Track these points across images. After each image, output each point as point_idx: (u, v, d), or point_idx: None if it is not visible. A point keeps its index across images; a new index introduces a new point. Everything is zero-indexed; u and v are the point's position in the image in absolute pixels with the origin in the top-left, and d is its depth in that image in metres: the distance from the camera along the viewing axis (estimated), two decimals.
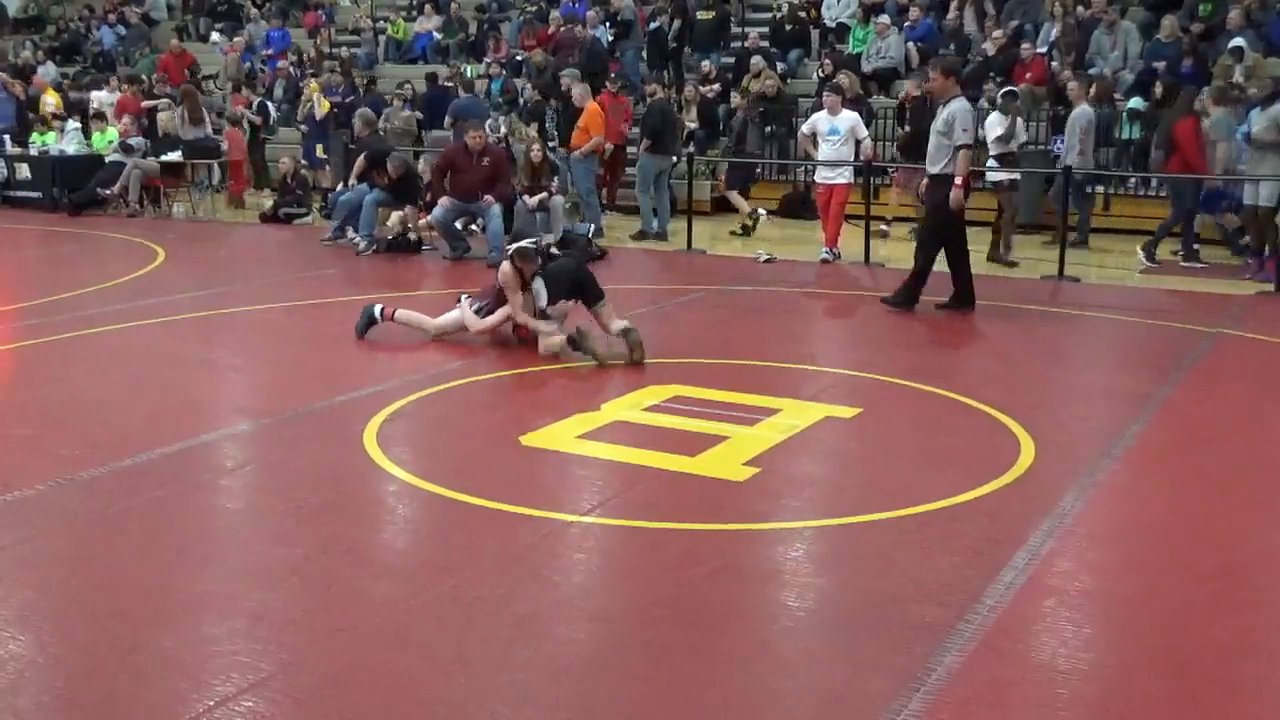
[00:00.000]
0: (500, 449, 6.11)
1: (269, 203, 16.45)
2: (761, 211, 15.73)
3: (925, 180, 9.89)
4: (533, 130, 15.11)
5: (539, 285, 8.10)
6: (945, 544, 4.80)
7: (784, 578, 4.53)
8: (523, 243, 8.29)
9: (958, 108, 9.50)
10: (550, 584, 4.42)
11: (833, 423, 6.57)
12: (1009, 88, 13.42)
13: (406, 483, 5.53)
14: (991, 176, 12.84)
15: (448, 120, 16.66)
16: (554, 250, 8.42)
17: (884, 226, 14.63)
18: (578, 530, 4.97)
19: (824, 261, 12.57)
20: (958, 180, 9.45)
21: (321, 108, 17.82)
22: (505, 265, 8.22)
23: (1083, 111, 13.27)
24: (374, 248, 13.04)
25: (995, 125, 12.60)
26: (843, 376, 7.76)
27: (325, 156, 17.56)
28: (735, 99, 17.35)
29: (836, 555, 4.78)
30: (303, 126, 18.25)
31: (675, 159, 15.01)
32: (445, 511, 5.20)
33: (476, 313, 8.43)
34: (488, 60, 20.46)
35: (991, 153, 12.56)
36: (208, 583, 4.41)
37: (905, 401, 7.19)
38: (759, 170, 17.07)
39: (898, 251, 13.08)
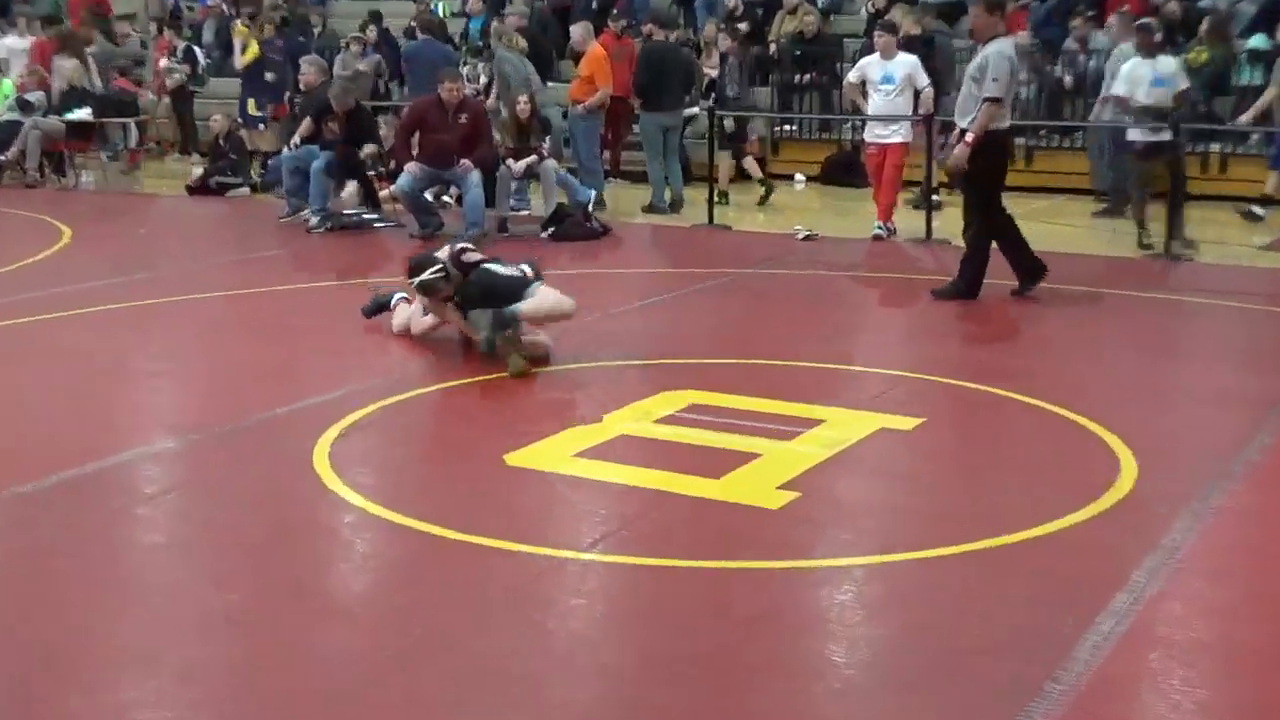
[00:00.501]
0: (481, 470, 6.08)
1: (198, 170, 16.47)
2: (799, 178, 15.75)
3: (955, 135, 9.85)
4: (520, 42, 14.85)
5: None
6: (1028, 584, 4.76)
7: (830, 627, 4.49)
8: (423, 276, 8.02)
9: (995, 50, 9.50)
10: (543, 635, 4.39)
11: (888, 436, 6.54)
12: (1143, 20, 13.14)
13: (366, 512, 5.50)
14: (1137, 138, 12.14)
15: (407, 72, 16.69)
16: (472, 256, 8.20)
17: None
18: (576, 569, 4.94)
19: (876, 238, 12.55)
20: (969, 136, 9.45)
21: (247, 54, 17.85)
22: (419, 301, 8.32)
23: (1121, 52, 13.29)
24: (329, 224, 13.04)
25: (1137, 69, 12.16)
26: (900, 379, 7.73)
27: (259, 114, 17.56)
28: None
29: (895, 599, 4.75)
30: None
31: (694, 112, 14.97)
32: (414, 547, 5.18)
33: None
34: None
35: (1139, 101, 12.09)
36: (125, 635, 4.39)
37: (977, 409, 7.15)
38: (788, 128, 17.06)
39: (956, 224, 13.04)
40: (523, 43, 14.85)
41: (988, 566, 4.94)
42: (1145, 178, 12.04)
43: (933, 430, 6.67)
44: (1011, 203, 14.08)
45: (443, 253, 8.15)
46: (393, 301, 8.71)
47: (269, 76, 17.37)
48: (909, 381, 7.68)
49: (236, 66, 18.25)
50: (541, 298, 7.82)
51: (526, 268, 8.03)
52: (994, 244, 9.76)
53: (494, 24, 16.71)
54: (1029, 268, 9.82)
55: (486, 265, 8.02)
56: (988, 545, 5.10)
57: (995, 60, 9.40)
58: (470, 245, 8.28)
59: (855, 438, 6.46)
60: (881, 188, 12.69)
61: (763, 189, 15.03)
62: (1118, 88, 12.37)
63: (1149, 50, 12.18)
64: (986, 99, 9.38)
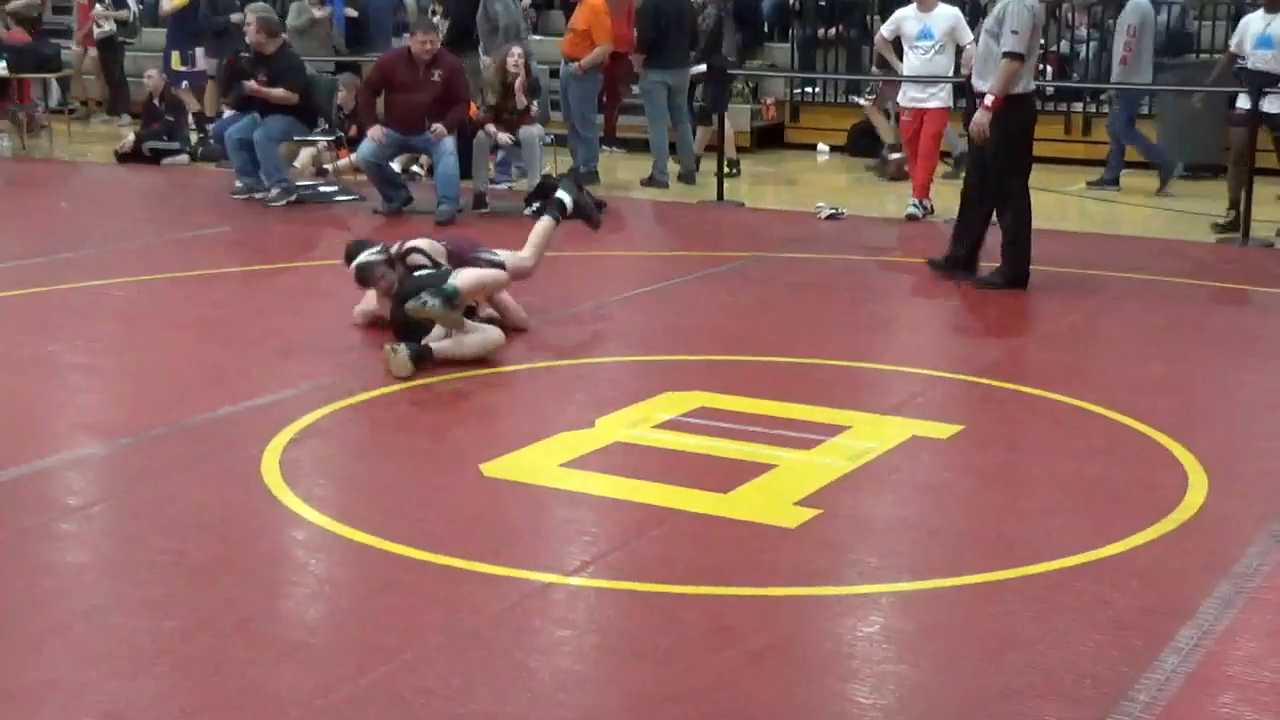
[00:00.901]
0: (453, 481, 6.11)
1: (129, 135, 16.49)
2: (823, 148, 15.78)
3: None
4: None
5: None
6: (1083, 616, 4.78)
7: (853, 663, 4.51)
8: (361, 257, 8.22)
9: (1015, 0, 9.48)
10: (524, 671, 4.41)
11: (922, 445, 6.56)
12: None
13: (321, 528, 5.52)
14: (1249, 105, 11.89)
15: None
16: (417, 259, 8.25)
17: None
18: (563, 595, 4.96)
19: (910, 218, 12.58)
20: (988, 99, 9.48)
21: (175, 0, 17.87)
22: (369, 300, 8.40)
23: (1135, 5, 13.38)
24: (291, 197, 13.04)
25: (1252, 23, 12.15)
26: (935, 380, 7.74)
27: (184, 68, 17.55)
28: None
29: (928, 632, 4.76)
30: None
31: (699, 70, 14.99)
32: (376, 569, 5.20)
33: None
34: None
35: (1243, 62, 12.12)
36: (44, 668, 4.40)
37: (1022, 415, 7.17)
38: (809, 90, 17.08)
39: None
40: None
41: (1034, 595, 4.95)
42: (1240, 150, 11.98)
43: (972, 439, 6.69)
44: (1066, 178, 14.25)
45: (394, 246, 8.24)
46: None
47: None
48: (945, 383, 7.69)
49: (161, 12, 18.28)
50: (468, 272, 7.94)
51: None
52: (998, 220, 9.80)
53: None
54: (969, 259, 9.88)
55: (418, 273, 8.05)
56: (1034, 571, 5.12)
57: (1014, 10, 9.41)
58: (422, 248, 8.26)
59: (883, 447, 6.48)
60: (917, 160, 12.71)
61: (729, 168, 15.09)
62: (1233, 41, 12.44)
63: (1272, 4, 12.07)
64: (1005, 54, 9.39)
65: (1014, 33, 9.38)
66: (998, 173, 9.69)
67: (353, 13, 17.71)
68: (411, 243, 8.28)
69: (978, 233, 9.93)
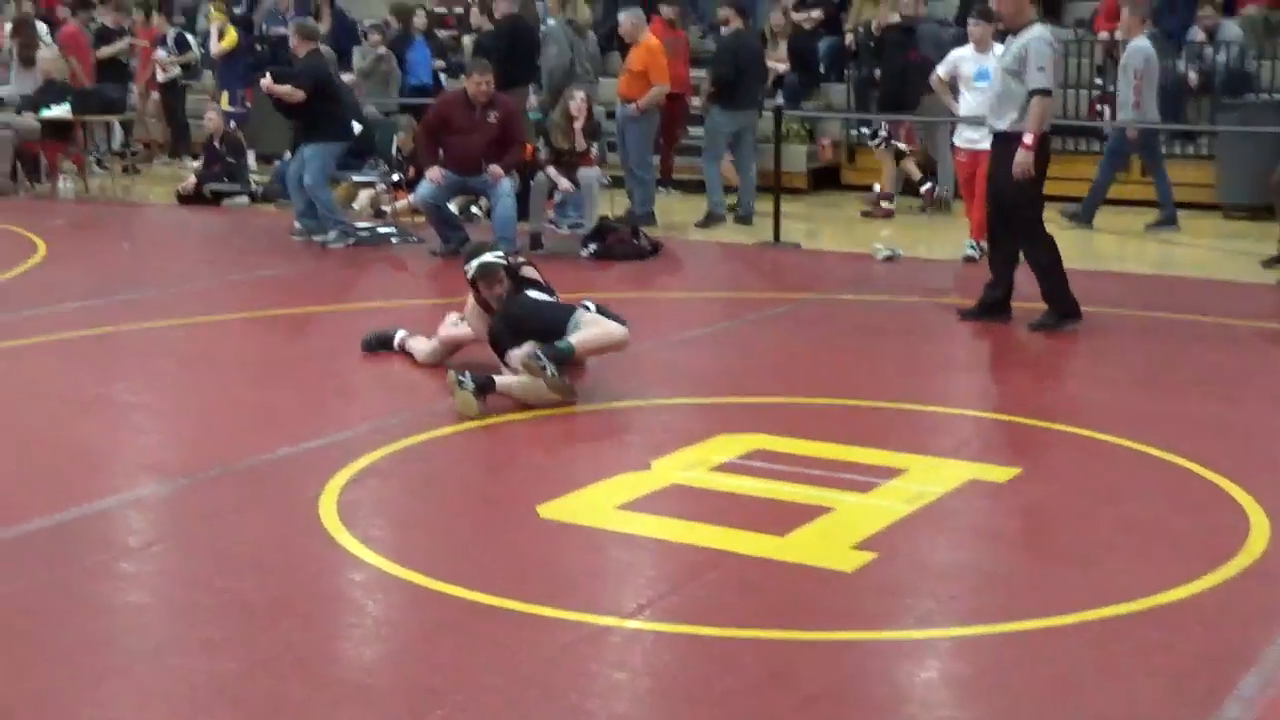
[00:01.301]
0: (510, 524, 6.12)
1: (191, 176, 16.64)
2: (878, 188, 15.75)
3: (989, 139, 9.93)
4: (584, 11, 14.55)
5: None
6: (1143, 662, 4.75)
7: (910, 709, 4.49)
8: (486, 256, 8.15)
9: (1035, 38, 9.58)
10: (580, 714, 4.40)
11: (980, 488, 6.53)
12: None
13: (379, 570, 5.54)
14: None
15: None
16: (529, 272, 8.31)
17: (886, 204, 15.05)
18: (619, 639, 4.96)
19: (968, 260, 12.52)
20: (1028, 138, 9.51)
21: (225, 40, 18.06)
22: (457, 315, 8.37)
23: (1137, 48, 13.36)
24: (350, 240, 13.13)
25: None
26: (992, 423, 7.71)
27: (233, 109, 17.75)
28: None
29: (984, 678, 4.74)
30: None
31: (759, 113, 15.05)
32: (432, 611, 5.21)
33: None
34: None
35: None
36: (102, 708, 4.43)
37: (1081, 458, 7.13)
38: (862, 132, 17.06)
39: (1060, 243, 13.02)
40: (587, 12, 14.72)
41: (1093, 641, 4.91)
42: None
43: (1031, 482, 6.65)
44: (1126, 219, 14.19)
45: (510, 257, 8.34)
46: (396, 339, 8.76)
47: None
48: (1003, 426, 7.66)
49: (211, 55, 18.50)
50: (589, 328, 7.85)
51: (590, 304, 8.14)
52: (1026, 259, 9.82)
53: None
54: (1003, 303, 9.92)
55: (531, 293, 8.08)
56: (1094, 616, 5.08)
57: (1037, 48, 9.50)
58: (530, 262, 8.35)
59: (941, 490, 6.45)
60: (974, 201, 12.66)
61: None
62: None
63: None
64: (1035, 92, 9.45)
65: (1040, 70, 9.47)
66: (1014, 209, 9.76)
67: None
68: (520, 257, 8.34)
69: (1008, 276, 9.96)
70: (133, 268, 12.72)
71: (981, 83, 12.49)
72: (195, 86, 19.96)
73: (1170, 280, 11.74)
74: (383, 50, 17.67)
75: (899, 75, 15.11)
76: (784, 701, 4.47)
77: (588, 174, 13.20)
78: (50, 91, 17.27)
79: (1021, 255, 9.90)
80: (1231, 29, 15.87)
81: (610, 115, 15.07)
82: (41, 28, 19.66)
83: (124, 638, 5.01)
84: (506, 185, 12.52)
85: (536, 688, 4.56)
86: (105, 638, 4.97)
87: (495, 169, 12.48)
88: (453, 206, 13.44)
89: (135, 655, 4.85)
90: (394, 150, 15.40)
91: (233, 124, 17.24)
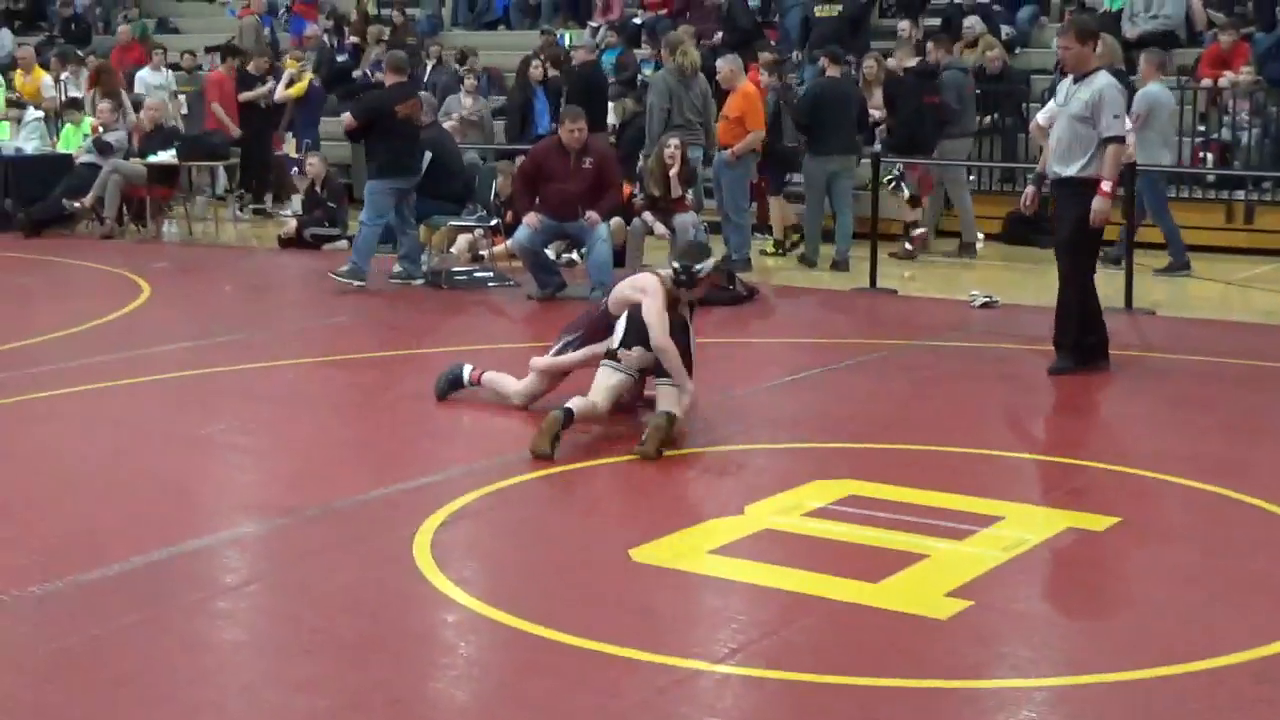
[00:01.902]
0: (602, 567, 6.13)
1: (292, 221, 16.85)
2: (979, 236, 15.68)
3: (1050, 183, 9.92)
4: (693, 56, 14.70)
5: (621, 320, 8.12)
6: (1244, 716, 4.69)
7: None
8: (709, 260, 8.22)
9: (1107, 84, 9.58)
10: None
11: (1078, 537, 6.47)
12: None
13: (471, 611, 5.57)
14: None
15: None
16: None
17: (907, 246, 15.11)
18: (710, 684, 4.95)
19: None
20: (1106, 185, 9.51)
21: (294, 88, 18.27)
22: (650, 280, 8.18)
23: (1145, 93, 13.55)
24: (360, 283, 13.12)
25: None
26: (1090, 470, 7.63)
27: (299, 156, 18.00)
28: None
29: None
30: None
31: (857, 159, 15.03)
32: (524, 653, 5.23)
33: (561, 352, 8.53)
34: (594, 24, 20.78)
35: None
36: None
37: (1181, 508, 7.04)
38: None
39: (1163, 291, 12.89)
40: (696, 57, 14.78)
41: (1192, 694, 4.85)
42: None
43: (1130, 531, 6.58)
44: (1229, 267, 14.01)
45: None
46: (466, 375, 8.74)
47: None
48: (1102, 474, 7.58)
49: (278, 97, 18.81)
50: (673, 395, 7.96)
51: None
52: (1064, 296, 9.87)
53: (665, 36, 16.47)
54: (1092, 344, 9.85)
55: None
56: (1192, 669, 5.02)
57: (1110, 95, 9.53)
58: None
59: (1038, 538, 6.40)
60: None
61: (786, 239, 15.38)
62: None
63: None
64: (1111, 139, 9.49)
65: (1116, 117, 9.53)
66: (1070, 252, 9.78)
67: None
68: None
69: (1099, 320, 9.94)
70: (234, 310, 12.89)
71: None
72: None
73: (1275, 329, 11.58)
74: (482, 104, 17.87)
75: (913, 118, 15.17)
76: None
77: (683, 219, 13.25)
78: (157, 137, 17.60)
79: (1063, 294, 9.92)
80: None
81: (708, 162, 15.09)
82: (158, 77, 20.13)
83: (218, 675, 5.06)
84: (603, 230, 12.58)
85: None
86: (202, 674, 5.03)
87: (592, 215, 12.54)
88: (550, 252, 13.51)
89: (231, 692, 4.90)
90: (492, 196, 15.53)
91: (296, 170, 17.53)
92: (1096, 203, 9.51)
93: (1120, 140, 9.60)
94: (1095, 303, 9.93)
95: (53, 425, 8.57)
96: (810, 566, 6.03)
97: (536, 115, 18.00)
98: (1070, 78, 9.78)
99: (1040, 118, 12.83)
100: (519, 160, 14.18)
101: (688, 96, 14.30)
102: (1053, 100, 10.10)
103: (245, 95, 18.87)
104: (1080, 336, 9.85)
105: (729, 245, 14.51)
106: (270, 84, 19.06)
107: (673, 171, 13.23)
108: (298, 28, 22.89)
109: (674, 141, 13.33)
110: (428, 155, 13.84)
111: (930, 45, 16.15)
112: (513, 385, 8.62)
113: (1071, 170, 9.62)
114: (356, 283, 13.05)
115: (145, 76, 20.36)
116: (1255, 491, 7.07)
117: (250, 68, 19.36)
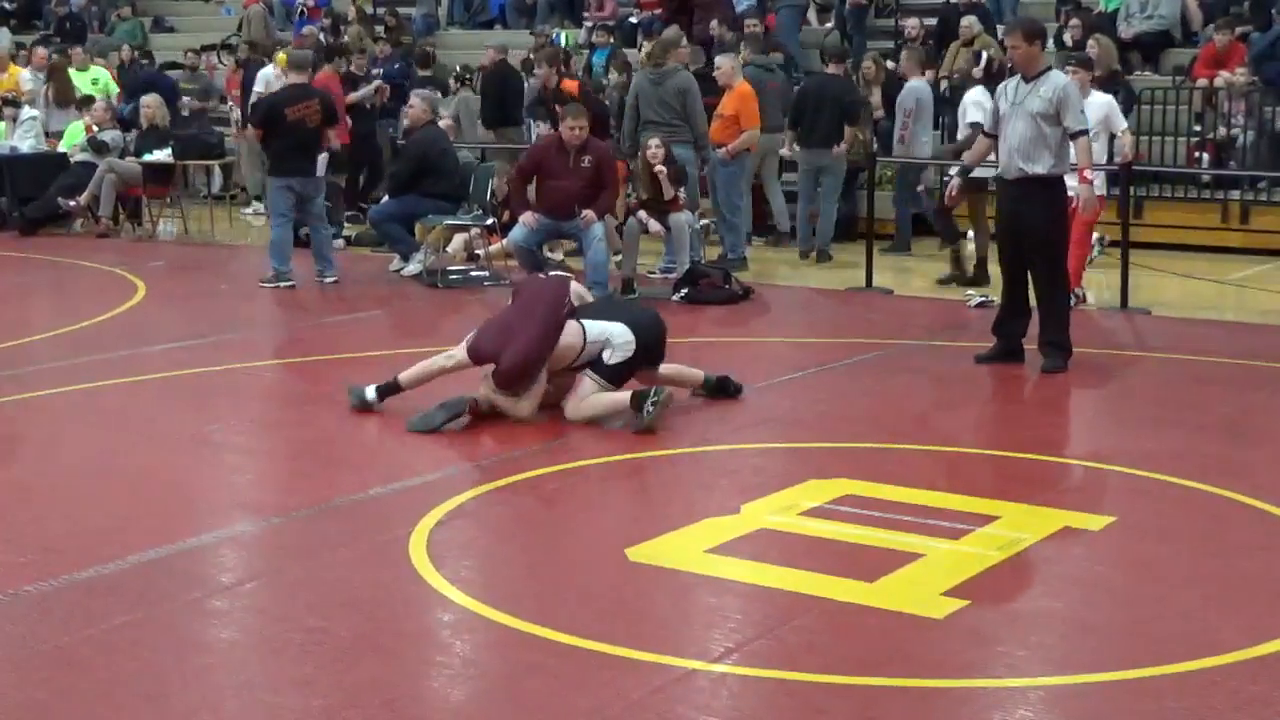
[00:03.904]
0: (598, 566, 6.13)
1: None
2: (971, 235, 15.66)
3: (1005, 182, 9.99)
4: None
5: (617, 331, 8.18)
6: (1240, 716, 4.68)
7: None
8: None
9: (1067, 83, 9.83)
10: None
11: (1073, 536, 6.47)
12: None
13: (467, 610, 5.57)
14: None
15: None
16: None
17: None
18: (706, 683, 4.94)
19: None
20: (1088, 173, 9.81)
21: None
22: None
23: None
24: (332, 279, 13.35)
25: None
26: (1085, 470, 7.64)
27: None
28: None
29: None
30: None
31: (849, 154, 15.02)
32: (520, 652, 5.22)
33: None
34: (588, 23, 20.76)
35: None
36: None
37: (1177, 508, 7.04)
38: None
39: (1158, 291, 12.90)
40: (653, 48, 14.79)
41: (1188, 693, 4.85)
42: None
43: (1125, 531, 6.58)
44: (1225, 267, 14.02)
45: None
46: (468, 405, 8.41)
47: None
48: (1097, 473, 7.59)
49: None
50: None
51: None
52: (1042, 294, 9.94)
53: (645, 44, 16.57)
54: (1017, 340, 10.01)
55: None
56: (1188, 668, 5.02)
57: (1070, 92, 9.76)
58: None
59: (1034, 538, 6.40)
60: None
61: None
62: None
63: None
64: (1080, 132, 9.69)
65: (1082, 112, 9.81)
66: (1046, 247, 9.83)
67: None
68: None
69: (1027, 319, 10.06)
70: (230, 309, 12.88)
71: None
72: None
73: (1272, 329, 11.59)
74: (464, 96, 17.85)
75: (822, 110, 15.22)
76: None
77: (678, 218, 13.22)
78: (152, 136, 17.58)
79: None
80: None
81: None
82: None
83: (216, 673, 5.06)
84: (599, 230, 12.55)
85: None
86: (197, 673, 5.02)
87: (588, 214, 12.51)
88: (545, 251, 13.51)
89: (226, 691, 4.90)
90: (488, 195, 15.50)
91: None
92: (1084, 191, 9.79)
93: (1086, 133, 9.79)
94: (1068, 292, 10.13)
95: (48, 424, 8.57)
96: (806, 566, 6.03)
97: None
98: (1019, 78, 9.85)
99: (984, 120, 12.56)
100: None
101: (656, 93, 14.22)
102: (999, 101, 10.05)
103: (352, 96, 18.52)
104: (1020, 329, 10.02)
105: (724, 244, 14.51)
106: (376, 81, 18.84)
107: (657, 169, 13.18)
108: (298, 25, 22.81)
109: (654, 141, 13.30)
110: (324, 158, 14.18)
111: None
112: (519, 408, 8.46)
113: (1039, 168, 9.67)
114: (284, 284, 13.26)
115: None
116: (1251, 491, 7.08)
117: (353, 68, 19.06)
